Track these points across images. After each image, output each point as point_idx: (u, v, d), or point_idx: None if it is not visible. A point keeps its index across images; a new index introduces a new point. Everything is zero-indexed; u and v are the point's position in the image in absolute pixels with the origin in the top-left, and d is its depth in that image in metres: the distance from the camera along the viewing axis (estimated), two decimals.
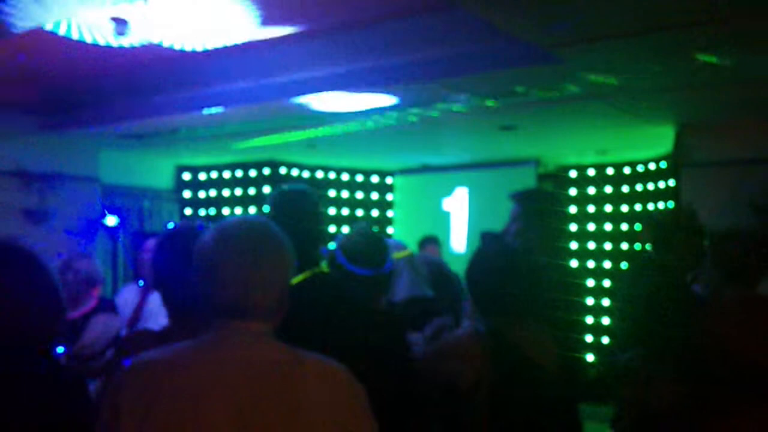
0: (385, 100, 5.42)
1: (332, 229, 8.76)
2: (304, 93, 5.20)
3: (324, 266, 2.85)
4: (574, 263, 8.14)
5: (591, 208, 8.21)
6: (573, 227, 8.23)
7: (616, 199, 8.02)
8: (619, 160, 7.96)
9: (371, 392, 1.76)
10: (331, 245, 2.95)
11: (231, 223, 1.78)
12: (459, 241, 8.68)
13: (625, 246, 7.87)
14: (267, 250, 1.72)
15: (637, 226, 7.65)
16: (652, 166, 7.60)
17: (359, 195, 9.24)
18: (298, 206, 2.93)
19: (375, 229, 8.92)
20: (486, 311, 2.64)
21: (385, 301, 2.97)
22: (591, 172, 8.24)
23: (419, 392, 2.59)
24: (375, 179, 9.34)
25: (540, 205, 3.23)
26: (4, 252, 2.03)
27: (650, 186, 7.60)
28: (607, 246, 8.04)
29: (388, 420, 1.89)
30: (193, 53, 4.86)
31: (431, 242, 7.32)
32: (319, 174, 8.94)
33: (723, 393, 2.56)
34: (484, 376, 2.46)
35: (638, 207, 7.75)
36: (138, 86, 5.56)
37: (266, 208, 2.96)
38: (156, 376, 1.64)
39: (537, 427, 2.50)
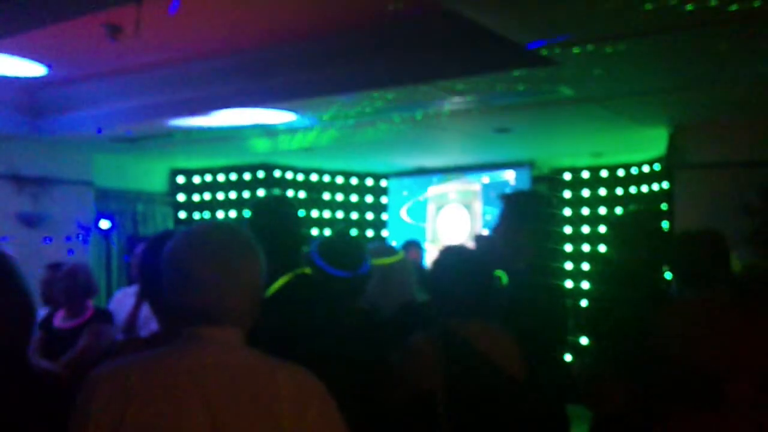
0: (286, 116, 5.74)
1: (327, 232, 8.76)
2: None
3: (306, 269, 2.86)
4: (568, 265, 8.17)
5: (585, 211, 8.22)
6: (567, 230, 8.25)
7: (611, 201, 8.03)
8: (614, 162, 7.97)
9: (351, 395, 1.75)
10: (306, 248, 2.96)
11: (201, 227, 1.75)
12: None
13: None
14: (239, 254, 1.70)
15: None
16: (646, 169, 7.61)
17: (354, 198, 9.24)
18: (277, 210, 2.96)
19: (353, 231, 8.99)
20: (443, 312, 2.68)
21: (363, 303, 2.99)
22: (585, 174, 8.25)
23: (395, 399, 2.61)
24: (369, 182, 9.34)
25: (527, 207, 3.23)
26: None
27: (644, 188, 7.61)
28: (602, 248, 8.05)
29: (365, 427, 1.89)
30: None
31: (413, 246, 7.35)
32: (314, 177, 8.95)
33: (668, 396, 2.58)
34: (438, 375, 2.50)
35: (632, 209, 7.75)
36: None
37: (247, 214, 2.99)
38: (128, 382, 1.61)
39: (508, 426, 2.52)
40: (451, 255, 2.80)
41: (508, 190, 3.31)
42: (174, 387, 1.59)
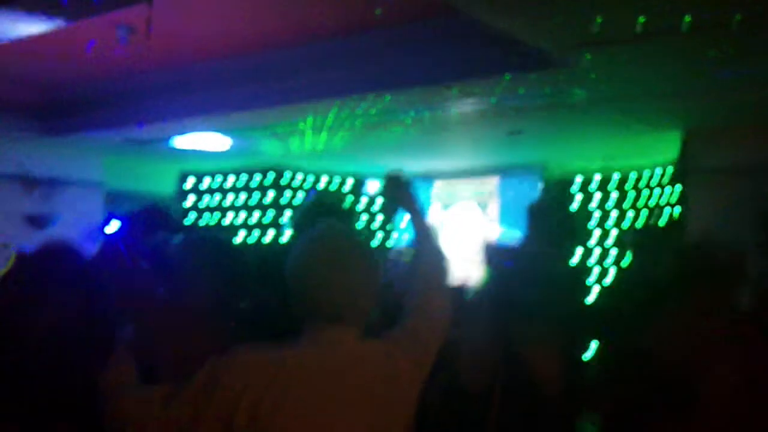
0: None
1: None
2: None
3: None
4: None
5: (597, 214, 8.16)
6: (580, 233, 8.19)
7: (622, 205, 7.97)
8: (626, 166, 7.91)
9: None
10: None
11: (321, 234, 1.85)
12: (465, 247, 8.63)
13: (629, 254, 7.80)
14: (363, 258, 1.83)
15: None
16: (658, 173, 7.56)
17: (364, 200, 9.20)
18: (331, 210, 2.92)
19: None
20: (505, 318, 2.62)
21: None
22: (597, 178, 8.19)
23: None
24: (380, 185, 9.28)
25: (553, 216, 3.20)
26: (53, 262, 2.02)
27: (656, 193, 7.55)
28: (613, 252, 7.98)
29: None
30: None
31: None
32: (324, 180, 8.91)
33: (651, 401, 2.58)
34: (497, 384, 2.46)
35: (645, 213, 7.70)
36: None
37: (295, 215, 2.98)
38: (281, 376, 1.70)
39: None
40: (516, 256, 2.73)
41: (534, 201, 3.30)
42: (317, 383, 1.72)
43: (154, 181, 8.50)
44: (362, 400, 1.77)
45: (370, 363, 1.82)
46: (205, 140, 6.41)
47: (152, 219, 2.51)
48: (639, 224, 7.61)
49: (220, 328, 2.33)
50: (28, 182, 6.95)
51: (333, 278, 1.77)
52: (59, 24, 3.95)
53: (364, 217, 9.12)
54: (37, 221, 6.97)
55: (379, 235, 9.22)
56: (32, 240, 6.70)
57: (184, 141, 6.42)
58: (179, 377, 1.76)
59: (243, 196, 8.61)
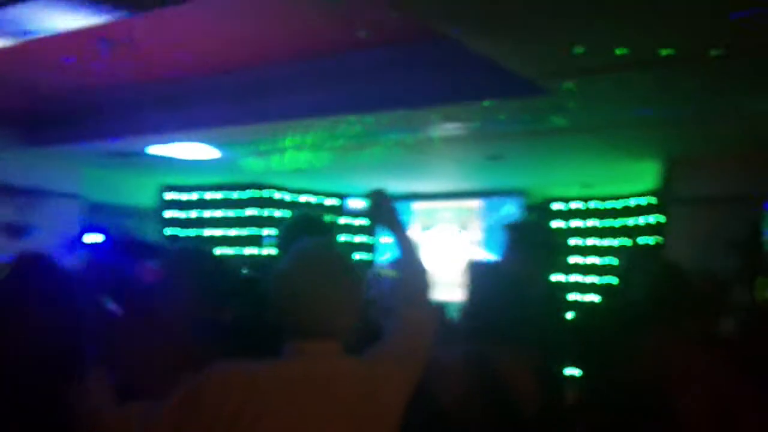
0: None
1: None
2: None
3: None
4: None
5: (576, 240, 8.20)
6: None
7: (601, 232, 8.01)
8: (605, 194, 7.97)
9: None
10: None
11: (311, 250, 1.86)
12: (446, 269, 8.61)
13: (608, 280, 7.86)
14: (348, 274, 1.84)
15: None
16: (637, 201, 7.61)
17: (343, 220, 9.19)
18: (310, 228, 2.92)
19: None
20: (478, 338, 2.62)
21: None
22: (577, 205, 8.24)
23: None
24: None
25: (534, 236, 3.22)
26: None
27: (634, 221, 7.60)
28: (591, 276, 8.01)
29: None
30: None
31: None
32: (305, 198, 8.89)
33: (628, 422, 2.60)
34: (474, 404, 2.46)
35: (623, 241, 7.75)
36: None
37: (277, 232, 2.97)
38: (259, 391, 1.69)
39: None
40: (493, 276, 2.74)
41: (510, 220, 3.37)
42: (298, 397, 1.72)
43: (134, 194, 8.45)
44: (343, 417, 1.76)
45: (352, 379, 1.81)
46: (189, 150, 6.33)
47: (127, 248, 2.51)
48: (618, 251, 7.66)
49: (198, 342, 2.32)
50: (6, 192, 6.89)
51: (317, 293, 1.77)
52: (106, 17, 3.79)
53: (347, 234, 9.12)
54: (14, 231, 6.90)
55: (362, 252, 9.21)
56: (9, 250, 6.66)
57: (166, 149, 6.35)
58: (158, 394, 1.74)
59: (222, 211, 8.58)
